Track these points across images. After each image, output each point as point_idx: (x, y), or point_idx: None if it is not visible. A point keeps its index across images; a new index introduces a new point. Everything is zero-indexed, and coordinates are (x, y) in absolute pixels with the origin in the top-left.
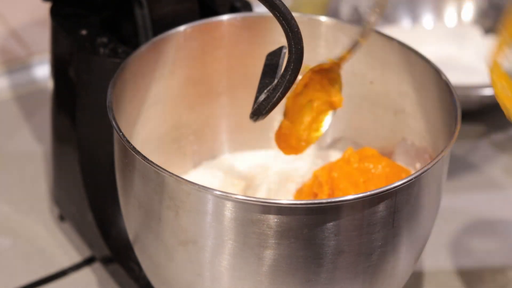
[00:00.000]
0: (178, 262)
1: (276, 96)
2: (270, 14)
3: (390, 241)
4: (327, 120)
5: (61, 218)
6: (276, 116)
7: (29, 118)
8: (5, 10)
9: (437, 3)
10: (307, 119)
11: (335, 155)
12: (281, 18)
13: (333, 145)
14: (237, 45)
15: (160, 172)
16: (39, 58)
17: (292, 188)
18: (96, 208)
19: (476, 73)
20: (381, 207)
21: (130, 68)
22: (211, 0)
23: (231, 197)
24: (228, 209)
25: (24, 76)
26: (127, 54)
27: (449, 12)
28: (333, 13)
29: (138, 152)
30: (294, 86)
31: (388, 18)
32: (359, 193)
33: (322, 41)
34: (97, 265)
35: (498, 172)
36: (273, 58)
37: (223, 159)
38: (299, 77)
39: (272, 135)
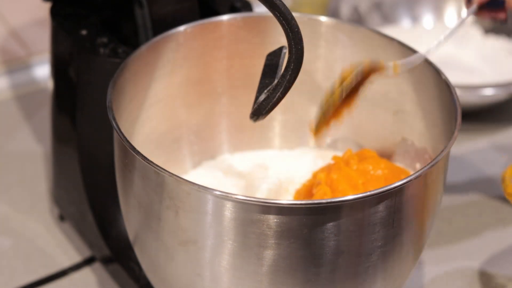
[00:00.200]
0: (178, 262)
1: (276, 96)
2: (270, 14)
3: (390, 241)
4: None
5: (61, 218)
6: (276, 116)
7: (29, 118)
8: (5, 10)
9: (437, 3)
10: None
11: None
12: (281, 18)
13: (333, 145)
14: (237, 45)
15: (160, 172)
16: (39, 58)
17: (292, 188)
18: (96, 208)
19: (476, 73)
20: (381, 207)
21: (130, 68)
22: (211, 0)
23: (231, 197)
24: (228, 209)
25: (24, 76)
26: (127, 54)
27: (449, 12)
28: (333, 13)
29: (138, 152)
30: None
31: (388, 18)
32: (359, 193)
33: (322, 41)
34: (97, 265)
35: (498, 172)
36: (273, 58)
37: (223, 159)
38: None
39: (272, 135)
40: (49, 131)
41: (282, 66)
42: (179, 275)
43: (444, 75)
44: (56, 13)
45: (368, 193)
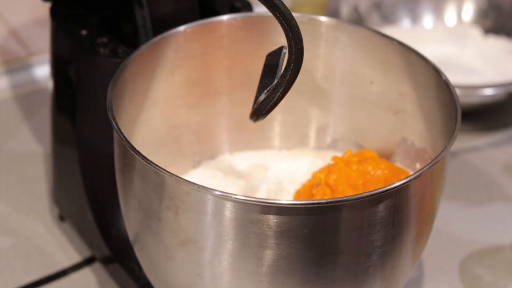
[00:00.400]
0: (178, 262)
1: (276, 96)
2: (270, 14)
3: (390, 241)
4: None
5: (61, 218)
6: (276, 116)
7: (29, 118)
8: (5, 10)
9: (437, 3)
10: None
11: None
12: (281, 18)
13: (333, 145)
14: (237, 45)
15: (160, 172)
16: (39, 58)
17: (292, 188)
18: (96, 208)
19: (476, 73)
20: (381, 207)
21: (130, 68)
22: (211, 0)
23: (231, 197)
24: (228, 209)
25: (24, 76)
26: (127, 54)
27: (449, 12)
28: (333, 13)
29: (138, 152)
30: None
31: (388, 18)
32: (359, 193)
33: (322, 41)
34: (97, 265)
35: (498, 172)
36: (273, 58)
37: (223, 159)
38: None
39: (272, 135)
40: (49, 131)
41: (282, 66)
42: (179, 275)
43: (444, 75)
44: (56, 13)
45: (368, 193)
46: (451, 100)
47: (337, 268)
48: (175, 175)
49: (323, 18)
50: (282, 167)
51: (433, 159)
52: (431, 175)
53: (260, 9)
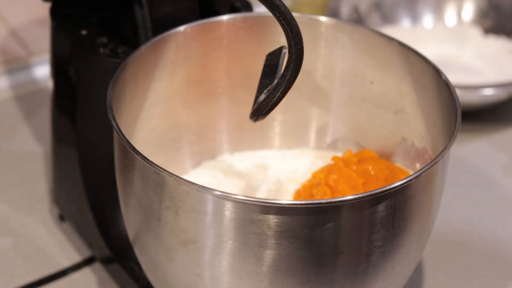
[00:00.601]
0: (177, 262)
1: (276, 96)
2: (270, 14)
3: (390, 241)
4: None
5: (61, 218)
6: (276, 116)
7: (29, 118)
8: (5, 10)
9: (437, 3)
10: None
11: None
12: (281, 18)
13: (333, 145)
14: (237, 45)
15: (160, 172)
16: (39, 58)
17: (292, 188)
18: (96, 208)
19: (476, 73)
20: (381, 207)
21: (130, 68)
22: (211, 0)
23: (230, 197)
24: (228, 209)
25: (24, 76)
26: (127, 54)
27: (449, 12)
28: (333, 13)
29: (138, 152)
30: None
31: (388, 18)
32: (359, 193)
33: (322, 41)
34: (97, 265)
35: (498, 172)
36: (273, 58)
37: (223, 159)
38: None
39: (272, 135)
40: (49, 131)
41: (282, 66)
42: (179, 275)
43: (444, 75)
44: (56, 13)
45: (368, 193)
46: (451, 100)
47: (337, 268)
48: (175, 175)
49: (323, 18)
50: (282, 167)
51: (433, 159)
52: (431, 175)
53: (260, 9)
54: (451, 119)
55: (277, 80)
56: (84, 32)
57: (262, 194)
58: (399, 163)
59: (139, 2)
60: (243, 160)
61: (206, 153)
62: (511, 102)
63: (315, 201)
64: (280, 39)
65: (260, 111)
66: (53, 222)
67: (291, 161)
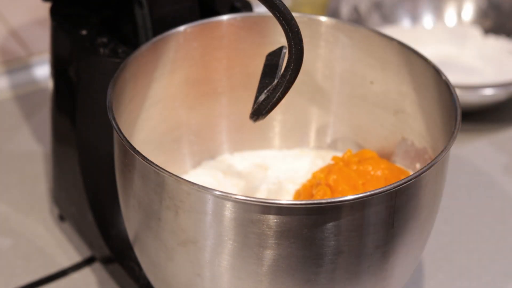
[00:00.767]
0: (177, 262)
1: (276, 96)
2: (270, 14)
3: (390, 241)
4: None
5: (61, 218)
6: (276, 116)
7: (29, 118)
8: (5, 10)
9: (437, 3)
10: None
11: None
12: (281, 18)
13: (333, 145)
14: (237, 45)
15: (160, 172)
16: (39, 58)
17: (292, 188)
18: (96, 208)
19: (476, 73)
20: (381, 207)
21: (130, 68)
22: (211, 0)
23: (230, 197)
24: (228, 209)
25: (24, 76)
26: (127, 54)
27: (449, 12)
28: (333, 13)
29: (138, 152)
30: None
31: (388, 18)
32: (359, 193)
33: (322, 41)
34: (97, 265)
35: (498, 172)
36: (273, 58)
37: (222, 159)
38: None
39: (272, 135)
40: (49, 131)
41: (282, 66)
42: (179, 275)
43: (444, 75)
44: (56, 13)
45: (368, 193)
46: (451, 100)
47: (337, 268)
48: (175, 175)
49: (323, 18)
50: (282, 167)
51: (433, 159)
52: (431, 175)
53: (260, 9)
54: (451, 119)
55: (277, 80)
56: (84, 32)
57: (262, 194)
58: (399, 163)
59: (139, 2)
60: (243, 160)
61: (206, 153)
62: (511, 102)
63: (315, 201)
64: (280, 39)
65: (260, 111)
66: (53, 222)
67: (291, 161)
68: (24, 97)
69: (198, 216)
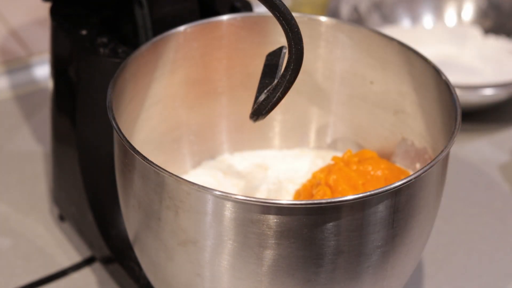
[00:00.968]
0: (177, 262)
1: (276, 96)
2: (270, 14)
3: (390, 241)
4: None
5: (61, 218)
6: (276, 116)
7: (29, 118)
8: (5, 10)
9: (437, 3)
10: None
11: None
12: (281, 18)
13: (333, 145)
14: (237, 45)
15: (160, 172)
16: (39, 58)
17: (292, 188)
18: (96, 208)
19: (476, 73)
20: (381, 207)
21: (130, 68)
22: (211, 0)
23: (230, 197)
24: (228, 209)
25: (24, 76)
26: (127, 54)
27: (449, 12)
28: (333, 13)
29: (138, 152)
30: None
31: (388, 18)
32: (359, 193)
33: (322, 41)
34: (97, 265)
35: (498, 172)
36: (273, 58)
37: (222, 159)
38: None
39: (272, 135)
40: (49, 131)
41: (282, 66)
42: (179, 275)
43: (444, 75)
44: (56, 13)
45: (368, 193)
46: (451, 100)
47: (337, 268)
48: (175, 175)
49: (323, 18)
50: (282, 167)
51: (433, 159)
52: (431, 175)
53: (260, 9)
54: (451, 119)
55: (277, 80)
56: (84, 32)
57: (262, 194)
58: (399, 163)
59: (139, 2)
60: (243, 160)
61: (206, 153)
62: (511, 102)
63: (315, 201)
64: (280, 39)
65: (260, 111)
66: (53, 222)
67: (291, 161)
68: (24, 97)
69: (198, 216)
